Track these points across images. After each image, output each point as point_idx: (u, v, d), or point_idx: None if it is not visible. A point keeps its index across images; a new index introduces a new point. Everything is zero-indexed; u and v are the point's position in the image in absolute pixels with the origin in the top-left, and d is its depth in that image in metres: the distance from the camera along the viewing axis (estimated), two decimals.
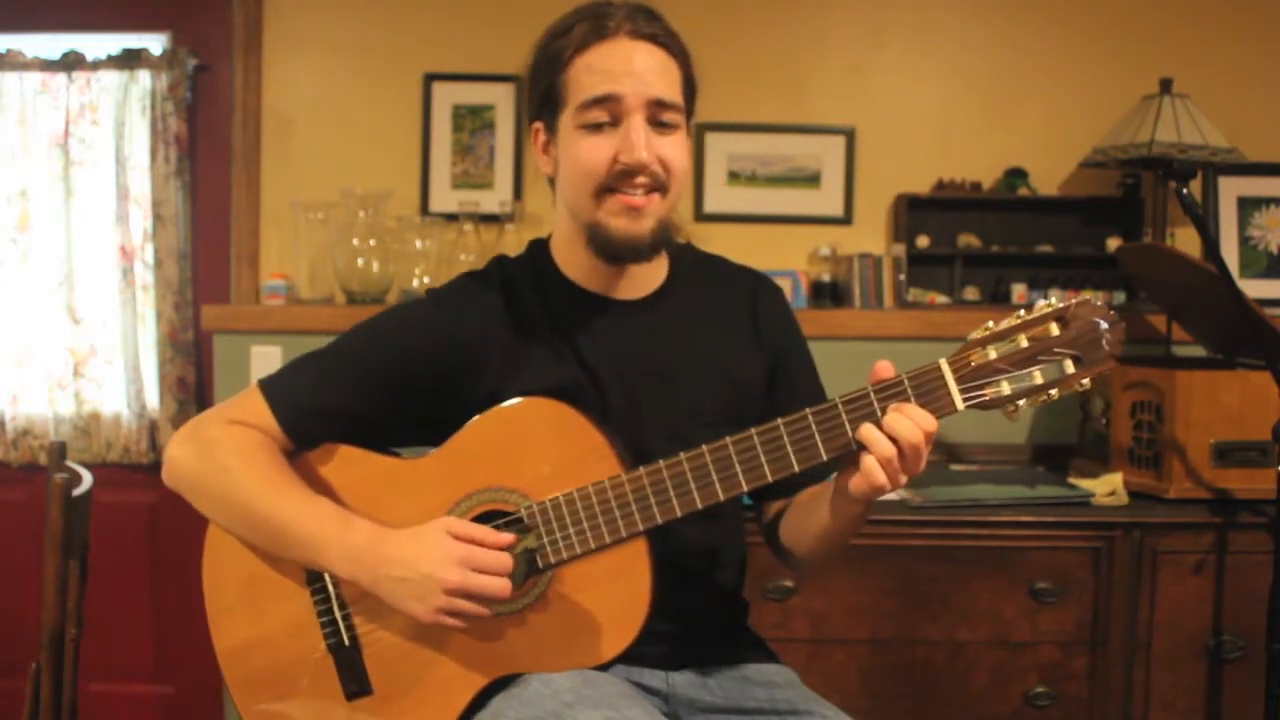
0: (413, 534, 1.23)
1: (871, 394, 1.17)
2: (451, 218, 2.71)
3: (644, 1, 1.32)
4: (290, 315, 2.60)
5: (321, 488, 1.32)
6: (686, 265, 1.43)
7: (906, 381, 1.16)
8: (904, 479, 1.16)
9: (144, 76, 2.77)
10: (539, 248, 1.42)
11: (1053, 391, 1.16)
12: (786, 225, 2.74)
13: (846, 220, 2.75)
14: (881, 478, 1.14)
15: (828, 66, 2.76)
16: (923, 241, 2.69)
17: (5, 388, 2.85)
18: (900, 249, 2.67)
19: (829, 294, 2.65)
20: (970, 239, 2.70)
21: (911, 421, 1.14)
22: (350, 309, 2.58)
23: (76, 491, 1.67)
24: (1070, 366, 1.15)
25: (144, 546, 2.90)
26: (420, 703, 1.29)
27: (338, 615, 1.31)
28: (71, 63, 2.78)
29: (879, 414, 1.16)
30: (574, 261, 1.37)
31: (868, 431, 1.15)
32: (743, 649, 1.41)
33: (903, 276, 2.64)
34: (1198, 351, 2.52)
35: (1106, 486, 2.22)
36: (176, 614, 2.90)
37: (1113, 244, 2.64)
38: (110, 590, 2.75)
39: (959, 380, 1.16)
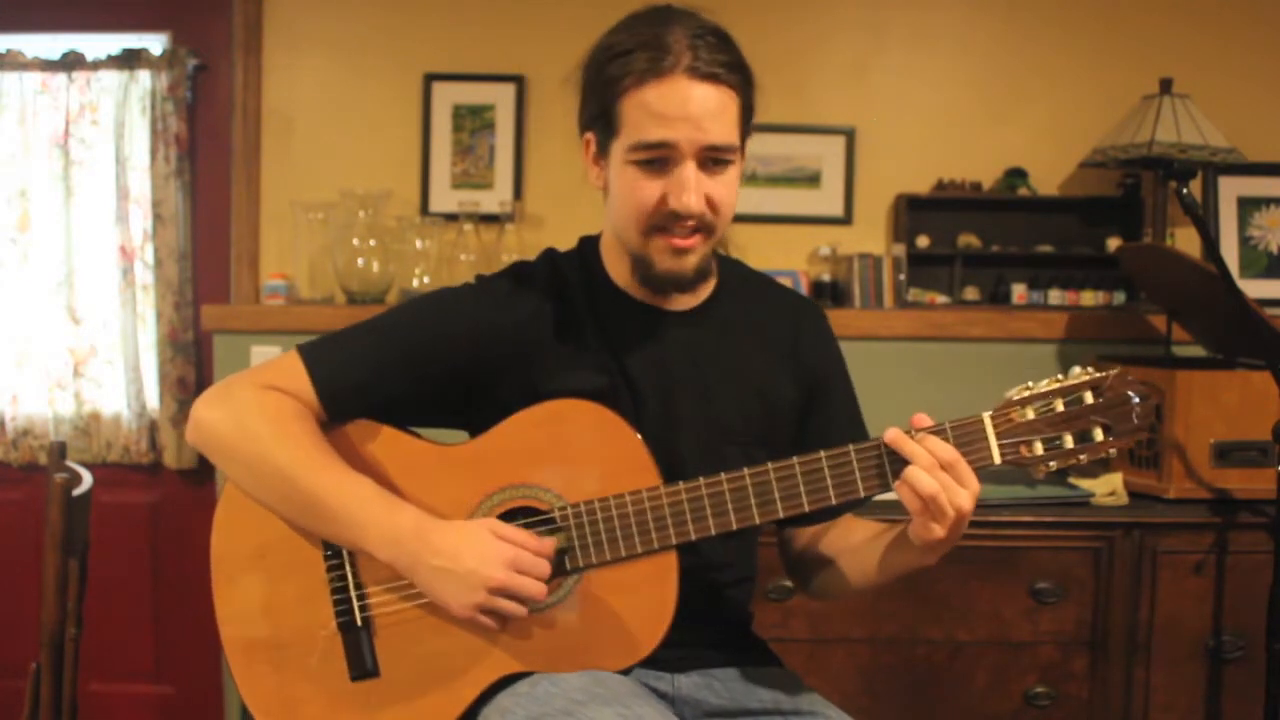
0: (458, 528, 1.23)
1: (914, 434, 1.19)
2: (451, 218, 2.70)
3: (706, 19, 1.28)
4: (290, 315, 2.60)
5: (354, 464, 1.30)
6: (735, 281, 1.43)
7: (949, 429, 1.19)
8: (949, 510, 1.15)
9: (144, 76, 2.77)
10: (589, 247, 1.41)
11: (1082, 456, 1.19)
12: (786, 225, 2.74)
13: (846, 220, 2.75)
14: (929, 485, 1.14)
15: (828, 66, 2.75)
16: (923, 241, 2.69)
17: (5, 388, 2.84)
18: (900, 249, 2.67)
19: (829, 294, 2.65)
20: (970, 239, 2.70)
21: (945, 442, 1.17)
22: (350, 309, 2.58)
23: (76, 491, 1.67)
24: (1100, 434, 1.19)
25: (144, 546, 2.90)
26: (426, 692, 1.28)
27: (353, 595, 1.30)
28: (71, 63, 2.78)
29: None
30: (620, 269, 1.37)
31: (904, 441, 1.17)
32: (747, 653, 1.41)
33: (903, 276, 2.64)
34: (1198, 351, 2.52)
35: (1106, 486, 2.22)
36: (176, 614, 2.90)
37: (1113, 244, 2.64)
38: (110, 590, 2.74)
39: (999, 435, 1.19)
